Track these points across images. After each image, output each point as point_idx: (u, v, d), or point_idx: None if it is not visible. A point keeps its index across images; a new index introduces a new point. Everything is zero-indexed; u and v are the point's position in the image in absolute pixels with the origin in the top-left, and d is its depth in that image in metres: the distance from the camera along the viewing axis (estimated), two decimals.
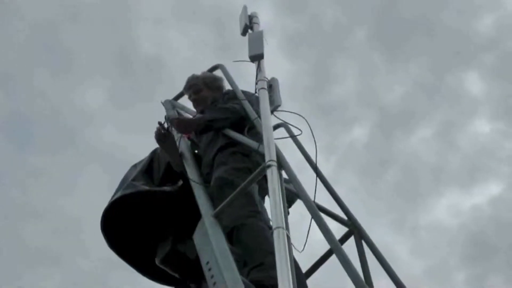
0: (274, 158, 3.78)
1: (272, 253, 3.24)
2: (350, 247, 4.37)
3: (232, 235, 4.10)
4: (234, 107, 4.72)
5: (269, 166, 3.73)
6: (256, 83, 4.62)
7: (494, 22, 14.45)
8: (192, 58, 12.90)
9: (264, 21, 5.37)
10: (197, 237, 4.07)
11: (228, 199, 4.05)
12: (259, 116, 4.35)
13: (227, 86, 5.22)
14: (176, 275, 4.72)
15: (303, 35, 13.74)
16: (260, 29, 5.07)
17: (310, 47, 13.88)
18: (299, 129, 4.51)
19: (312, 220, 3.67)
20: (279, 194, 3.55)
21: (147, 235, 4.76)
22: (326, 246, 4.20)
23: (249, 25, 5.12)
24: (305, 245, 3.98)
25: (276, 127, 4.55)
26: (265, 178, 3.79)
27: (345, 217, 4.53)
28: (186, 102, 5.45)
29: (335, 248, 3.50)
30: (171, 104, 5.45)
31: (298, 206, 4.51)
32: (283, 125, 4.65)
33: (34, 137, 14.09)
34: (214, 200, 4.28)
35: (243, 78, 5.18)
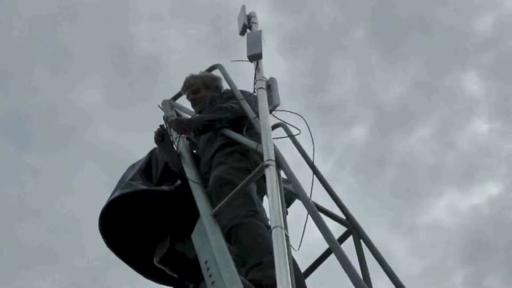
0: (273, 157, 3.78)
1: (270, 253, 3.25)
2: (348, 246, 4.38)
3: (230, 235, 4.11)
4: (233, 106, 4.72)
5: (267, 165, 3.73)
6: (255, 83, 4.62)
7: (493, 21, 14.46)
8: (190, 57, 12.90)
9: (262, 20, 5.37)
10: (195, 237, 4.08)
11: (226, 198, 4.05)
12: (258, 116, 4.36)
13: (226, 86, 5.23)
14: (175, 275, 4.72)
15: (301, 34, 13.75)
16: (259, 28, 5.07)
17: (308, 46, 13.89)
18: (298, 129, 4.52)
19: (310, 219, 3.68)
20: (278, 193, 3.55)
21: (146, 235, 4.76)
22: (324, 246, 4.20)
23: (247, 24, 5.12)
24: (300, 243, 3.98)
25: (274, 126, 4.55)
26: (263, 177, 3.79)
27: (343, 217, 4.53)
28: (184, 102, 5.46)
29: (333, 248, 3.51)
30: (170, 104, 5.45)
31: (297, 206, 4.53)
32: (282, 124, 4.65)
33: (31, 136, 14.09)
34: (212, 199, 4.28)
35: (242, 77, 5.19)
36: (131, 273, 4.89)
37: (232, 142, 4.56)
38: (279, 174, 3.78)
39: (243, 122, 4.63)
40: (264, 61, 4.77)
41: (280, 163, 3.84)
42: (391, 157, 13.86)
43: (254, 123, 4.41)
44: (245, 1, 5.40)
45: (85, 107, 13.46)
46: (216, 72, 5.38)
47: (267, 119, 4.20)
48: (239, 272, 3.71)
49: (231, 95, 4.95)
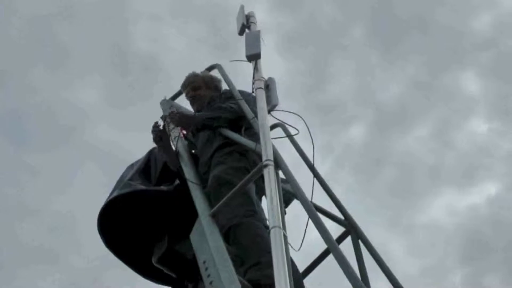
0: (271, 157, 3.78)
1: (269, 252, 3.25)
2: (347, 247, 4.38)
3: (229, 235, 4.11)
4: (232, 107, 4.73)
5: (266, 165, 3.73)
6: (253, 83, 4.62)
7: (491, 21, 14.48)
8: (189, 56, 12.90)
9: (261, 19, 5.38)
10: (194, 237, 4.08)
11: (225, 198, 4.06)
12: (256, 116, 4.36)
13: (224, 87, 5.24)
14: (173, 275, 4.72)
15: (300, 34, 13.75)
16: (257, 28, 5.07)
17: (307, 46, 13.89)
18: (296, 129, 4.52)
19: (309, 219, 3.68)
20: (276, 193, 3.55)
21: (144, 235, 4.76)
22: (323, 246, 4.20)
23: (246, 24, 5.12)
24: (301, 244, 3.99)
25: (273, 127, 4.56)
26: (262, 177, 3.79)
27: (342, 217, 4.53)
28: (183, 102, 5.46)
29: (332, 248, 3.51)
30: (169, 103, 5.46)
31: (295, 206, 4.53)
32: (280, 125, 4.65)
33: (31, 135, 14.08)
34: (211, 199, 4.28)
35: (241, 77, 5.19)
36: (130, 273, 4.90)
37: (231, 142, 4.57)
38: (277, 174, 3.78)
39: (242, 122, 4.63)
40: (262, 61, 4.77)
41: (278, 163, 3.84)
42: (390, 157, 13.87)
43: (252, 123, 4.42)
44: (244, 0, 5.41)
45: (84, 106, 13.46)
46: (215, 72, 5.40)
47: (265, 119, 4.20)
48: (237, 272, 3.72)
49: (230, 95, 4.97)
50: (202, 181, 4.52)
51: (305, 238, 4.00)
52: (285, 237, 3.39)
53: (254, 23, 5.14)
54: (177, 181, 4.78)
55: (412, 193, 13.71)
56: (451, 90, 14.21)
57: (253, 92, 4.64)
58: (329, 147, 12.48)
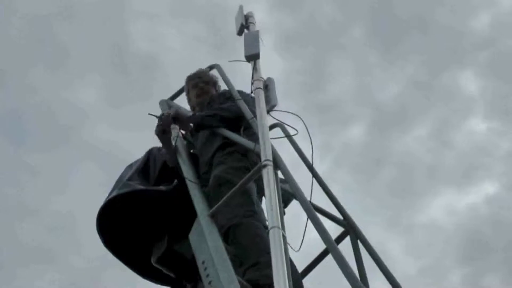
0: (270, 158, 3.78)
1: (268, 253, 3.25)
2: (346, 247, 4.38)
3: (228, 235, 4.11)
4: (231, 106, 4.74)
5: (265, 166, 3.73)
6: (252, 83, 4.62)
7: (490, 20, 14.47)
8: (188, 56, 12.91)
9: (260, 19, 5.38)
10: (193, 237, 4.08)
11: (224, 198, 4.06)
12: (255, 116, 4.36)
13: (223, 86, 5.26)
14: (172, 275, 4.73)
15: (299, 33, 13.76)
16: (256, 29, 5.08)
17: (305, 45, 13.89)
18: (295, 129, 4.53)
19: (308, 220, 3.68)
20: (275, 194, 3.55)
21: (143, 235, 4.76)
22: (322, 246, 4.20)
23: (245, 24, 5.12)
24: (301, 244, 3.99)
25: (272, 127, 4.56)
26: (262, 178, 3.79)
27: (341, 217, 4.53)
28: (182, 102, 5.47)
29: (331, 248, 3.51)
30: (167, 104, 5.47)
31: (294, 206, 4.53)
32: (279, 125, 4.65)
33: (30, 135, 14.08)
34: (211, 199, 4.29)
35: (239, 77, 5.20)
36: (129, 273, 4.90)
37: (232, 142, 4.58)
38: (276, 174, 3.78)
39: (241, 122, 4.64)
40: (261, 61, 4.77)
41: (277, 163, 3.84)
42: (389, 157, 13.87)
43: (251, 123, 4.42)
44: (243, 0, 5.42)
45: (84, 106, 13.47)
46: (214, 72, 5.41)
47: (264, 120, 4.20)
48: (237, 272, 3.72)
49: (229, 95, 4.98)
50: (203, 180, 4.53)
51: (305, 238, 4.00)
52: (284, 237, 3.39)
53: (253, 23, 5.14)
54: (175, 181, 4.78)
55: (411, 193, 13.72)
56: (450, 90, 14.23)
57: (252, 92, 4.65)
58: (328, 147, 12.49)
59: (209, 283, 3.73)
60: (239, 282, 3.62)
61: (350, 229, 4.46)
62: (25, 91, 13.60)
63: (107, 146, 12.80)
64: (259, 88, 4.52)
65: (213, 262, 3.75)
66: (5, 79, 13.71)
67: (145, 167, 4.97)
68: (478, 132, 14.32)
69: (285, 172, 3.87)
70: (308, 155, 4.50)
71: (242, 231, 4.12)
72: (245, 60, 4.76)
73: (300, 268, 4.36)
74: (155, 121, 4.87)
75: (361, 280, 4.08)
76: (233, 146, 4.56)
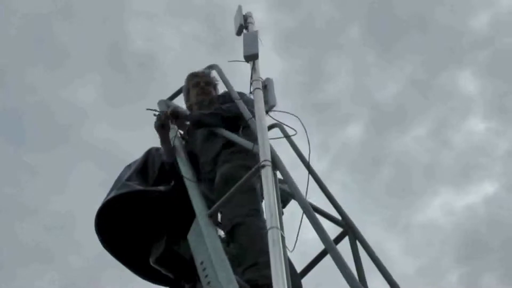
0: (269, 158, 3.78)
1: (267, 253, 3.25)
2: (344, 247, 4.39)
3: (233, 233, 4.12)
4: (230, 106, 4.76)
5: (263, 166, 3.73)
6: (251, 83, 4.63)
7: (488, 19, 14.47)
8: (186, 55, 12.90)
9: (258, 18, 5.39)
10: (191, 237, 4.08)
11: (222, 199, 4.07)
12: (254, 116, 4.36)
13: (222, 86, 5.27)
14: (171, 275, 4.73)
15: (297, 33, 13.75)
16: (255, 29, 5.08)
17: (303, 45, 13.89)
18: (294, 129, 4.53)
19: (305, 219, 3.68)
20: (274, 194, 3.55)
21: (142, 235, 4.76)
22: (320, 246, 4.20)
23: (244, 25, 5.13)
24: (295, 244, 3.98)
25: (270, 127, 4.56)
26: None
27: (339, 217, 4.54)
28: (181, 102, 5.47)
29: (329, 248, 3.51)
30: (166, 104, 5.47)
31: (292, 206, 4.53)
32: (278, 125, 4.66)
33: (29, 134, 14.07)
34: (217, 196, 4.27)
35: (238, 78, 5.20)
36: (128, 273, 4.90)
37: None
38: (275, 175, 3.79)
39: (240, 122, 4.64)
40: (260, 61, 4.78)
41: (276, 164, 3.84)
42: (387, 156, 13.87)
43: (250, 124, 4.42)
44: (242, 0, 5.43)
45: (83, 106, 13.46)
46: (214, 74, 5.42)
47: (263, 120, 4.20)
48: (235, 272, 3.72)
49: (228, 97, 4.98)
50: (208, 179, 4.53)
51: (303, 238, 4.00)
52: (283, 237, 3.40)
53: (251, 23, 5.15)
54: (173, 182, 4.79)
55: (409, 192, 13.71)
56: (449, 89, 14.22)
57: (250, 92, 4.65)
58: (325, 146, 12.48)
59: (208, 283, 3.73)
60: (238, 282, 3.62)
61: (348, 229, 4.46)
62: (24, 91, 13.60)
63: (106, 146, 12.80)
64: (258, 88, 4.53)
65: (211, 262, 3.75)
66: (4, 79, 13.71)
67: (144, 168, 4.97)
68: (477, 132, 14.33)
69: (284, 172, 3.87)
70: (306, 154, 4.50)
71: (243, 231, 4.12)
72: (244, 60, 4.77)
73: (298, 268, 4.36)
74: (154, 119, 4.88)
75: (359, 280, 4.08)
76: (237, 146, 4.57)
